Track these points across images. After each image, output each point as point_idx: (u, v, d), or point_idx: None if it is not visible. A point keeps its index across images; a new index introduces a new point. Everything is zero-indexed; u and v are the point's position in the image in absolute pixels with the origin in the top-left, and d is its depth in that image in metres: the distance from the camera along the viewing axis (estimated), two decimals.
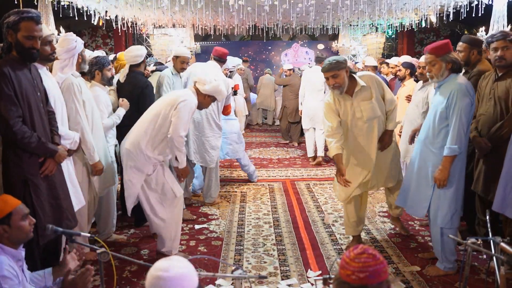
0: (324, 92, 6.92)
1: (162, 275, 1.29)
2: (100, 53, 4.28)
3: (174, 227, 3.41)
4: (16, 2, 5.65)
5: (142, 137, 3.30)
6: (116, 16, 8.22)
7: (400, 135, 4.57)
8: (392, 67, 5.98)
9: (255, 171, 5.90)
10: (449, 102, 2.94)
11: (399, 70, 5.13)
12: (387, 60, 6.74)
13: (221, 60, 4.89)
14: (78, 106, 3.13)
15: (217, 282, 3.07)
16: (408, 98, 4.71)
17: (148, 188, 3.35)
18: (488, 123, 3.18)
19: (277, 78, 8.98)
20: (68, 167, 2.99)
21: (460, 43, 3.57)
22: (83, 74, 3.78)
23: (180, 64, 4.53)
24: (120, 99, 3.93)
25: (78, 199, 3.01)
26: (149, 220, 3.45)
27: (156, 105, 3.44)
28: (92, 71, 3.61)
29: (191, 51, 11.93)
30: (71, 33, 3.31)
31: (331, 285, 1.63)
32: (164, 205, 3.38)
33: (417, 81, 5.23)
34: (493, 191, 3.00)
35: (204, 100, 3.46)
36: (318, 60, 7.05)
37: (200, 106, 3.49)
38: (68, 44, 3.12)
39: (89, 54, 4.15)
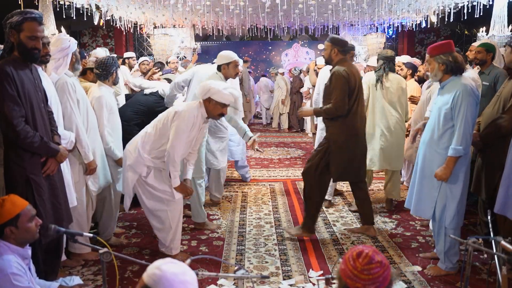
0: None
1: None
2: (129, 53, 4.25)
3: (173, 229, 3.39)
4: (19, 2, 5.65)
5: (142, 137, 3.34)
6: (113, 16, 8.21)
7: (408, 135, 4.55)
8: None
9: (248, 172, 5.93)
10: (454, 102, 2.93)
11: (401, 69, 5.11)
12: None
13: None
14: (73, 105, 3.13)
15: (219, 282, 3.07)
16: (411, 99, 4.70)
17: (144, 190, 3.35)
18: (487, 119, 3.20)
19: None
20: (64, 167, 2.99)
21: (325, 42, 3.79)
22: (96, 76, 3.76)
23: (234, 69, 4.03)
24: None
25: (70, 200, 3.00)
26: (149, 220, 3.47)
27: (163, 113, 3.37)
28: (111, 72, 3.60)
29: (194, 50, 11.94)
30: (65, 33, 3.31)
31: (333, 285, 1.63)
32: (161, 207, 3.36)
33: (418, 81, 5.22)
34: (486, 189, 3.02)
35: (210, 104, 3.23)
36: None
37: (210, 115, 3.28)
38: (62, 43, 3.12)
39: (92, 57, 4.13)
